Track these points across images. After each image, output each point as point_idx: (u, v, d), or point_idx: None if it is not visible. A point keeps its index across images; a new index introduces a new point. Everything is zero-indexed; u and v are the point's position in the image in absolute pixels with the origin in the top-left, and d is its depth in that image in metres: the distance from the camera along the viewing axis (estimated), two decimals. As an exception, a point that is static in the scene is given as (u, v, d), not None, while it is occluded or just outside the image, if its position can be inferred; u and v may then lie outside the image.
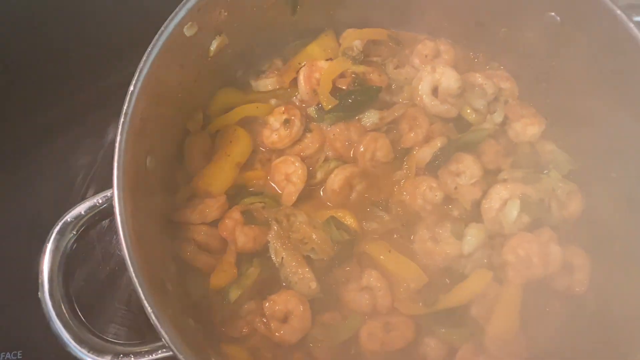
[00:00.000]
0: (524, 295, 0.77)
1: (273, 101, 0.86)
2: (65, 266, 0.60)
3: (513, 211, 0.77)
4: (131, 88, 0.60)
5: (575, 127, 0.82)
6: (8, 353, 0.81)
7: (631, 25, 0.64)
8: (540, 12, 0.75)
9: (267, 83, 0.86)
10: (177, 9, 0.63)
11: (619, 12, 0.65)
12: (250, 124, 0.84)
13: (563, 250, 0.77)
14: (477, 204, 0.79)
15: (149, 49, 0.62)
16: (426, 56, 0.88)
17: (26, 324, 0.69)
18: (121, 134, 0.58)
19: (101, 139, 0.91)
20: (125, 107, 0.58)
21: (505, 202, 0.77)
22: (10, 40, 0.90)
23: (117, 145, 0.57)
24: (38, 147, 0.88)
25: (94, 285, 0.75)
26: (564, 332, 0.76)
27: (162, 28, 0.62)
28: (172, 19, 0.63)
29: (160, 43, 0.62)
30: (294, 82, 0.86)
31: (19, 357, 0.81)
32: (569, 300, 0.77)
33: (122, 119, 0.58)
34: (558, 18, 0.74)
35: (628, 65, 0.68)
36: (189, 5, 0.64)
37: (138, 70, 0.60)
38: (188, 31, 0.67)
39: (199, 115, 0.81)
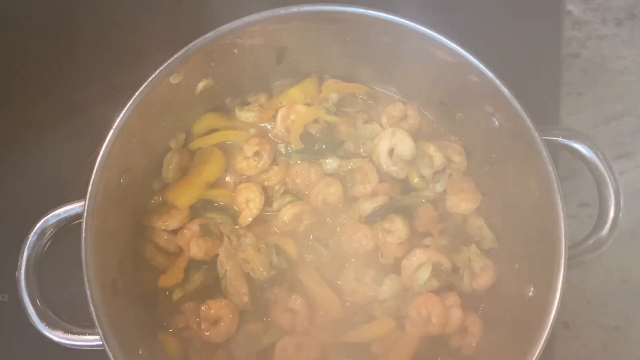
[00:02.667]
0: (423, 344, 0.91)
1: (252, 130, 0.98)
2: (43, 256, 0.76)
3: (424, 275, 0.89)
4: (115, 124, 0.73)
5: (504, 212, 0.92)
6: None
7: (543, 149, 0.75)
8: (486, 113, 0.85)
9: (248, 115, 0.97)
10: (164, 64, 0.75)
11: (536, 134, 0.75)
12: (228, 147, 0.97)
13: (463, 315, 0.90)
14: (399, 260, 0.92)
15: (135, 94, 0.74)
16: (394, 117, 0.98)
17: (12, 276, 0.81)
18: (99, 162, 0.72)
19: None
20: (105, 143, 0.72)
21: (420, 265, 0.90)
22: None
23: (95, 168, 0.71)
24: (39, 136, 1.01)
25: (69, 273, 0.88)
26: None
27: (150, 79, 0.74)
28: (159, 71, 0.75)
29: (146, 90, 0.75)
30: (273, 118, 0.98)
31: (6, 299, 1.00)
32: (459, 358, 0.91)
33: (102, 149, 0.72)
34: (497, 123, 0.84)
35: (542, 183, 0.78)
36: (176, 60, 0.76)
37: (124, 110, 0.73)
38: (174, 80, 0.79)
39: (182, 135, 0.94)
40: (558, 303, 0.72)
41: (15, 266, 0.78)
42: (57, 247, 0.80)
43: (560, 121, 1.06)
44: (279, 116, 0.97)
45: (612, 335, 1.00)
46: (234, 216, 0.95)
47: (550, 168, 0.74)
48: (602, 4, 1.13)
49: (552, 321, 0.74)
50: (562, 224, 0.72)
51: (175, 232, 0.91)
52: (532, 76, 1.07)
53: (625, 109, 1.09)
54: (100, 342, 0.72)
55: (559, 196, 0.73)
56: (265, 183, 0.96)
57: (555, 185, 0.74)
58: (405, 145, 0.94)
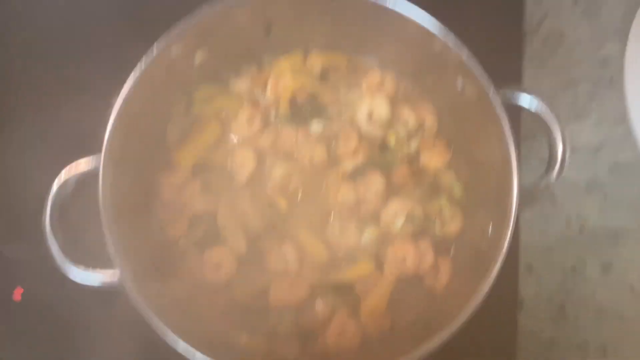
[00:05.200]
0: (400, 284, 1.03)
1: (245, 99, 1.10)
2: (65, 202, 0.87)
3: (400, 221, 1.01)
4: (122, 93, 0.84)
5: (470, 167, 1.04)
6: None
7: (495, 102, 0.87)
8: (451, 77, 0.96)
9: (241, 86, 1.09)
10: (165, 34, 0.86)
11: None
12: (224, 114, 1.09)
13: (435, 257, 1.02)
14: (378, 211, 1.04)
15: (142, 59, 0.85)
16: (372, 84, 1.09)
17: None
18: (110, 131, 0.83)
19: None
20: (114, 114, 0.84)
21: (397, 212, 1.02)
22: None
23: (106, 134, 0.83)
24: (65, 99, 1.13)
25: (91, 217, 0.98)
26: (420, 315, 1.01)
27: (149, 52, 0.86)
28: (161, 40, 0.86)
29: (151, 56, 0.86)
30: (264, 87, 1.09)
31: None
32: (431, 294, 1.03)
33: (110, 122, 0.84)
34: (460, 86, 0.95)
35: (498, 135, 0.90)
36: (173, 32, 0.87)
37: (128, 81, 0.84)
38: (175, 49, 0.90)
39: (183, 103, 1.05)
40: (511, 234, 0.84)
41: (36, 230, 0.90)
42: (75, 206, 0.91)
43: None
44: (268, 86, 1.08)
45: (569, 275, 1.12)
46: (230, 176, 1.06)
47: (502, 116, 0.86)
48: (561, -19, 1.25)
49: (505, 251, 0.86)
50: (514, 165, 0.84)
51: (179, 188, 1.02)
52: (496, 49, 1.17)
53: (583, 75, 1.20)
54: (117, 279, 0.84)
55: (511, 140, 0.85)
56: (257, 145, 1.07)
57: (507, 133, 0.85)
58: (382, 109, 1.06)
